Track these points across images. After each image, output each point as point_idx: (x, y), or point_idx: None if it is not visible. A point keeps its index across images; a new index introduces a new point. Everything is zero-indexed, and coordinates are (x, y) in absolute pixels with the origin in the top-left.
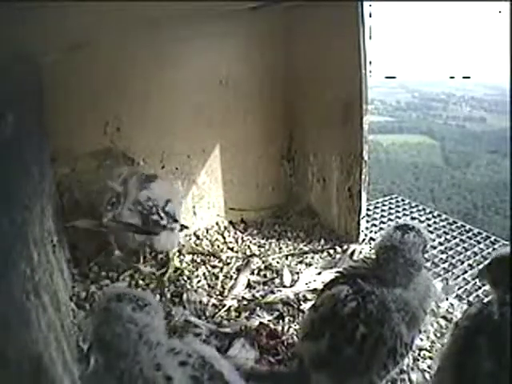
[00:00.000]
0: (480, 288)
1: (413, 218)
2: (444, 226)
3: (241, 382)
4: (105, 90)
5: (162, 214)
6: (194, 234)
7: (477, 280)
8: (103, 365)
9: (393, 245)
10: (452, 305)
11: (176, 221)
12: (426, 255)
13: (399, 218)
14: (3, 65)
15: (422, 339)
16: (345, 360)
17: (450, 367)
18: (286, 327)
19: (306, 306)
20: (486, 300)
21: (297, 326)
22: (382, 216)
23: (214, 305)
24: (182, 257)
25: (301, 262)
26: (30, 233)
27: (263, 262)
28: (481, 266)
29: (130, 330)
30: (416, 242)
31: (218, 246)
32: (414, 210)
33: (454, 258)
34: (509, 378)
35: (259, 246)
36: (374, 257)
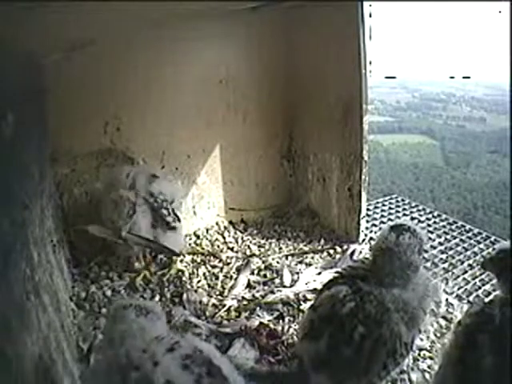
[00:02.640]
0: (480, 288)
1: (413, 218)
2: (444, 226)
3: (238, 377)
4: (105, 90)
5: (170, 211)
6: (194, 233)
7: (477, 280)
8: (105, 362)
9: (388, 247)
10: (452, 305)
11: (179, 220)
12: (426, 255)
13: (399, 217)
14: (4, 65)
15: (422, 339)
16: (344, 360)
17: (452, 364)
18: (286, 327)
19: (305, 306)
20: (486, 300)
21: (297, 326)
22: (382, 216)
23: (214, 305)
24: (182, 257)
25: (301, 262)
26: (30, 233)
27: (263, 262)
28: (485, 255)
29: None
30: (412, 242)
31: (218, 246)
32: (414, 209)
33: (454, 258)
34: (510, 375)
35: (259, 246)
36: (371, 258)
